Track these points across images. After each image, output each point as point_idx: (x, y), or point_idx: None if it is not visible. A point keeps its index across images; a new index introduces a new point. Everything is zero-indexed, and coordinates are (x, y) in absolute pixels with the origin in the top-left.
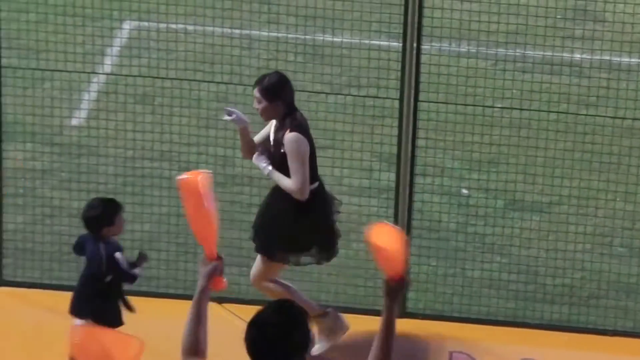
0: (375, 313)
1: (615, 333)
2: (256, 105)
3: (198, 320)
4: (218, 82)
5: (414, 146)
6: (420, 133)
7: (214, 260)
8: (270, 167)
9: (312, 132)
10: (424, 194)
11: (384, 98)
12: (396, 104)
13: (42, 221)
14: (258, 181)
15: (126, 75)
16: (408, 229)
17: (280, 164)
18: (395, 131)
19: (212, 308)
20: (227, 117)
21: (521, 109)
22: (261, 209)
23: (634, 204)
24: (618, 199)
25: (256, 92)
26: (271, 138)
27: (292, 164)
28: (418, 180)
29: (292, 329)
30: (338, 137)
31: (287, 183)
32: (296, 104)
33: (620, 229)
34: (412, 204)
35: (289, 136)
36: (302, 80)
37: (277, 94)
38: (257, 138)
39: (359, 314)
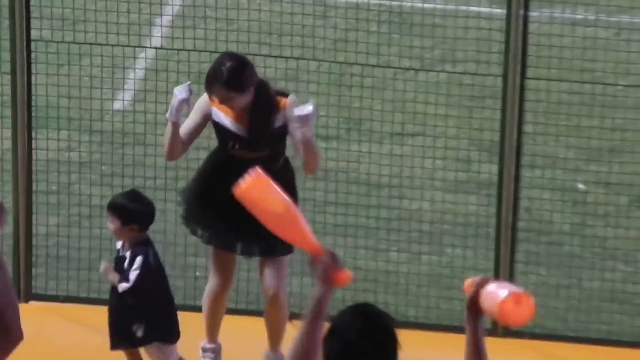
0: None
1: None
2: (226, 103)
3: (314, 336)
4: (287, 57)
5: (520, 133)
6: (528, 117)
7: (322, 255)
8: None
9: (398, 115)
10: (532, 189)
11: (484, 75)
12: (499, 82)
13: (78, 223)
14: (334, 175)
15: (179, 50)
16: (513, 232)
17: (278, 143)
18: (497, 115)
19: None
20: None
21: None
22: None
23: None
24: None
25: (220, 90)
26: (235, 126)
27: (309, 130)
28: (525, 173)
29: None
30: (429, 122)
31: (320, 156)
32: (382, 81)
33: None
34: (518, 202)
35: (293, 98)
36: (387, 55)
37: (245, 82)
38: (184, 132)
39: (454, 332)
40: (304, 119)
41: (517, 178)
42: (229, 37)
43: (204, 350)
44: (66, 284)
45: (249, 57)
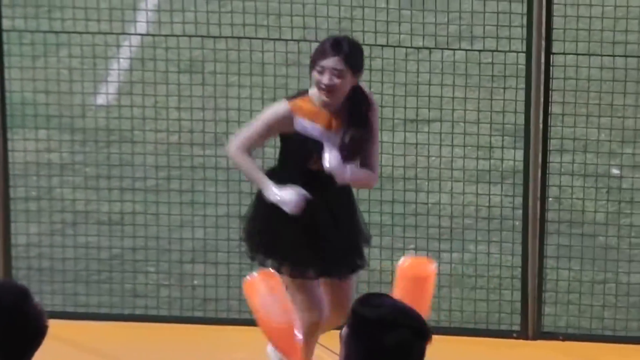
0: (501, 334)
1: None
2: (333, 80)
3: None
4: (287, 40)
5: (546, 114)
6: (555, 96)
7: None
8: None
9: (412, 99)
10: (562, 176)
11: (506, 52)
12: (522, 59)
13: (62, 231)
14: None
15: (167, 36)
16: (542, 223)
17: (354, 154)
18: (521, 95)
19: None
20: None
21: None
22: (327, 223)
23: None
24: None
25: (336, 64)
26: (326, 136)
27: (376, 141)
28: (554, 158)
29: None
30: (447, 105)
31: (372, 176)
32: (392, 62)
33: None
34: (547, 191)
35: (377, 104)
36: (398, 33)
37: (361, 62)
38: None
39: (479, 335)
40: (332, 171)
41: (544, 165)
42: (222, 20)
43: None
44: (50, 299)
45: (245, 42)
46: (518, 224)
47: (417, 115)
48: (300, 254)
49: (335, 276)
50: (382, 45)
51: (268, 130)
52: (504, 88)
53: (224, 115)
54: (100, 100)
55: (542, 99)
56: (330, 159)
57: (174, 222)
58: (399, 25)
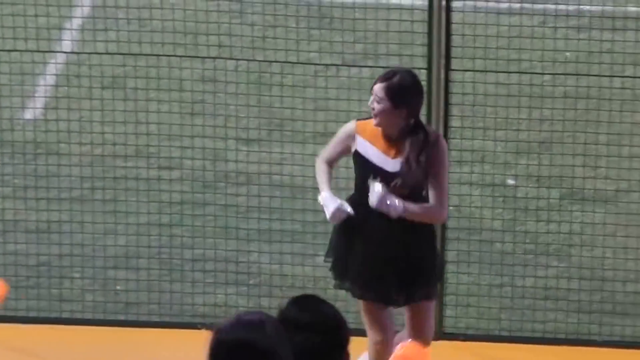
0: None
1: None
2: (374, 105)
3: None
4: (204, 58)
5: (446, 127)
6: (454, 110)
7: None
8: (404, 205)
9: (321, 114)
10: (461, 186)
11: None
12: (424, 75)
13: None
14: (257, 178)
15: (90, 53)
16: (442, 231)
17: (412, 189)
18: (423, 110)
19: None
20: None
21: (578, 75)
22: (396, 252)
23: None
24: None
25: (378, 89)
26: (382, 160)
27: (442, 179)
28: (453, 169)
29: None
30: (355, 119)
31: (433, 211)
32: (302, 79)
33: None
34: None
35: (444, 144)
36: (307, 51)
37: (406, 99)
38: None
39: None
40: (380, 207)
41: None
42: (142, 39)
43: None
44: None
45: (164, 59)
46: None
47: (325, 129)
48: (362, 277)
49: (391, 304)
50: (293, 63)
51: (337, 143)
52: None
53: (145, 129)
54: (28, 114)
55: (442, 113)
56: (372, 197)
57: (98, 230)
58: (309, 44)
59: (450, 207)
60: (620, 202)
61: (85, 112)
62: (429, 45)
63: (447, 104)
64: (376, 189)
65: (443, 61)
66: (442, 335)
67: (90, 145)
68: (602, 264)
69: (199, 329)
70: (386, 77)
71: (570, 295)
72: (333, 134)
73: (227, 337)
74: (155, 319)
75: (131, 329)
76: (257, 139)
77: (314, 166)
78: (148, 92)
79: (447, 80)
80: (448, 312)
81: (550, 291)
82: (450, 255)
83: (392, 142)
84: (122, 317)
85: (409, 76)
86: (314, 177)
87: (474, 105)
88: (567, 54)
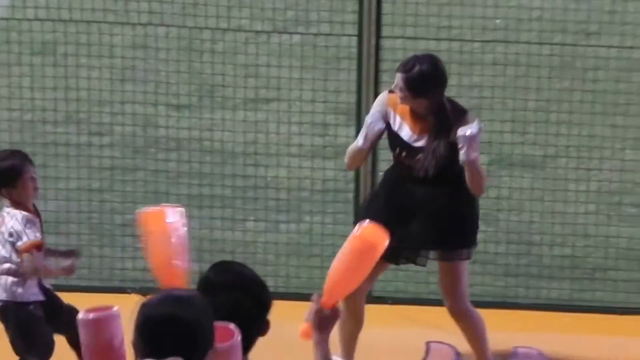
0: None
1: (625, 311)
2: (397, 90)
3: None
4: (134, 24)
5: (376, 94)
6: (385, 77)
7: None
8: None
9: (252, 80)
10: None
11: (338, 36)
12: (354, 42)
13: None
14: (187, 144)
15: (20, 19)
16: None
17: (451, 163)
18: (354, 76)
19: None
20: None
21: (507, 42)
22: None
23: None
24: (627, 149)
25: (399, 79)
26: (409, 136)
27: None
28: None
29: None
30: (284, 86)
31: (484, 179)
32: (233, 46)
33: (630, 185)
34: (377, 165)
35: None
36: (238, 18)
37: (425, 91)
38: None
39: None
40: (467, 140)
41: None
42: (72, 5)
43: None
44: None
45: (94, 26)
46: (350, 196)
47: (256, 95)
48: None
49: (402, 261)
50: (224, 29)
51: (374, 115)
52: (338, 69)
53: (75, 95)
54: None
55: (372, 80)
56: (472, 129)
57: None
58: (240, 10)
59: (380, 173)
60: (548, 167)
61: (15, 78)
62: (360, 12)
63: (377, 70)
64: (476, 127)
65: (374, 28)
66: (371, 299)
67: (20, 111)
68: (530, 228)
69: (128, 293)
70: (406, 68)
71: (498, 259)
72: (264, 100)
73: (153, 312)
74: (84, 283)
75: (61, 293)
76: (188, 105)
77: (244, 132)
78: (78, 58)
79: (378, 47)
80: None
81: (479, 255)
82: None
83: (419, 118)
84: (52, 282)
85: (430, 66)
86: (244, 143)
87: None
88: (497, 20)
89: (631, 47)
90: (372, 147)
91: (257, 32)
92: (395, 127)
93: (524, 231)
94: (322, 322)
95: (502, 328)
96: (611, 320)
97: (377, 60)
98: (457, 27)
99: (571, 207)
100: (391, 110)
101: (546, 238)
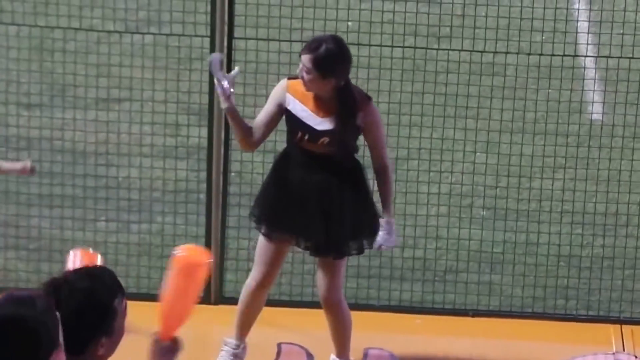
0: None
1: (477, 313)
2: (303, 74)
3: None
4: None
5: None
6: (237, 78)
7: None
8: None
9: (104, 80)
10: (242, 152)
11: (192, 36)
12: (207, 43)
13: None
14: (38, 143)
15: None
16: (224, 196)
17: (347, 144)
18: (206, 77)
19: None
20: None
21: (359, 45)
22: (312, 199)
23: (498, 157)
24: (479, 152)
25: (306, 60)
26: (311, 118)
27: (382, 138)
28: (232, 136)
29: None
30: (136, 86)
31: (388, 175)
32: (85, 45)
33: (481, 188)
34: (229, 165)
35: (373, 106)
36: (90, 17)
37: (334, 70)
38: (259, 122)
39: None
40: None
41: (227, 142)
42: None
43: (226, 344)
44: None
45: None
46: (202, 196)
47: (108, 95)
48: (275, 215)
49: (307, 250)
50: (76, 29)
51: (269, 101)
52: (190, 70)
53: None
54: None
55: None
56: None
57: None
58: (92, 10)
59: (232, 173)
60: (400, 169)
61: None
62: (212, 13)
63: (229, 71)
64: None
65: (226, 28)
66: (223, 299)
67: None
68: None
69: None
70: (312, 48)
71: (350, 260)
72: (116, 99)
73: None
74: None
75: None
76: (39, 104)
77: (95, 132)
78: None
79: (230, 48)
80: (228, 276)
81: None
82: (231, 221)
83: (322, 102)
84: None
85: (335, 44)
86: (95, 142)
87: (256, 73)
88: (350, 23)
89: (482, 52)
90: (267, 132)
91: (109, 32)
92: (295, 111)
93: None
94: (163, 354)
95: (354, 329)
96: (463, 322)
97: (230, 61)
98: (309, 29)
99: (423, 209)
100: (291, 95)
101: (397, 240)
